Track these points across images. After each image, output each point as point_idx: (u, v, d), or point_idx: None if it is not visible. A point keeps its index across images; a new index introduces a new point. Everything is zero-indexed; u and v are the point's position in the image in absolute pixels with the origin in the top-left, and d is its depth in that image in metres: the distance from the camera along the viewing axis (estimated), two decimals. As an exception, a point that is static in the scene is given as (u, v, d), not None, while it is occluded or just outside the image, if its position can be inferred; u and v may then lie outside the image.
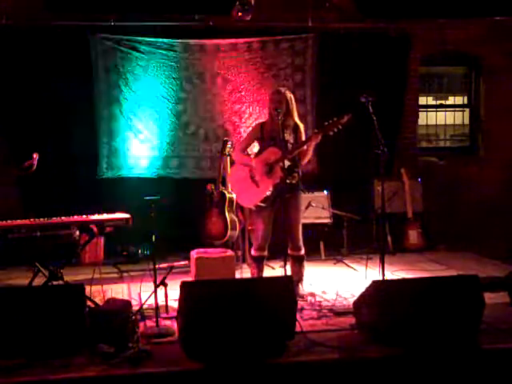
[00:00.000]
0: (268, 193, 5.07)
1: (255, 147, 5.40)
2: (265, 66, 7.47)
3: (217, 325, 3.71)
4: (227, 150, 6.46)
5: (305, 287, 5.29)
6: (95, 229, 4.77)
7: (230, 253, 5.85)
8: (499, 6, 7.12)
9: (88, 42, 7.08)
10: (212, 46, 7.36)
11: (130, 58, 7.22)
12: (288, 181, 4.94)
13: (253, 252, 5.29)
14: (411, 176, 7.50)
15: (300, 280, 5.20)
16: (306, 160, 5.17)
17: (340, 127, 4.86)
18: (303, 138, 5.17)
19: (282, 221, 5.00)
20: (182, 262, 6.39)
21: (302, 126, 5.25)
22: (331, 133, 4.90)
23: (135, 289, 5.38)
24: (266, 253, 5.28)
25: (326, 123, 4.91)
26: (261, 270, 5.28)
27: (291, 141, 5.09)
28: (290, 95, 5.13)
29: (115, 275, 6.22)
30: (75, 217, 4.85)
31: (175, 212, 7.16)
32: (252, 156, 5.31)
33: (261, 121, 5.37)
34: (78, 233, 4.74)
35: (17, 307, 3.78)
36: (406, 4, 7.02)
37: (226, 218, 6.37)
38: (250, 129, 5.38)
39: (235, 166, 5.50)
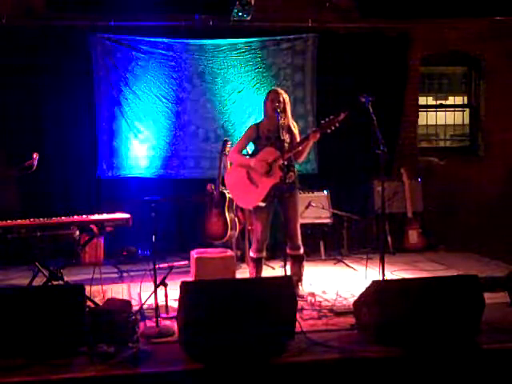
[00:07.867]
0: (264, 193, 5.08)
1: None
2: (265, 65, 7.47)
3: (217, 325, 3.71)
4: (227, 149, 6.46)
5: (305, 287, 5.29)
6: (95, 229, 4.77)
7: (230, 253, 5.86)
8: (499, 5, 7.13)
9: (88, 41, 7.09)
10: (212, 46, 7.36)
11: (130, 58, 7.22)
12: (286, 180, 4.95)
13: (251, 254, 5.28)
14: (411, 176, 7.50)
15: (300, 280, 5.20)
16: (302, 159, 5.18)
17: (337, 125, 4.86)
18: (298, 138, 5.18)
19: (281, 220, 5.00)
20: (182, 262, 6.39)
21: (296, 126, 5.25)
22: (329, 130, 4.89)
23: (135, 289, 5.38)
24: (264, 254, 5.29)
25: (323, 121, 4.91)
26: (259, 271, 5.29)
27: (287, 140, 5.08)
28: (286, 95, 5.15)
29: (115, 275, 6.22)
30: (75, 217, 4.84)
31: (175, 212, 7.17)
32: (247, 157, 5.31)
33: (255, 122, 5.36)
34: (77, 233, 4.74)
35: (17, 307, 3.78)
36: (406, 4, 7.03)
37: (226, 218, 6.38)
38: (245, 130, 5.34)
39: (231, 168, 5.48)
